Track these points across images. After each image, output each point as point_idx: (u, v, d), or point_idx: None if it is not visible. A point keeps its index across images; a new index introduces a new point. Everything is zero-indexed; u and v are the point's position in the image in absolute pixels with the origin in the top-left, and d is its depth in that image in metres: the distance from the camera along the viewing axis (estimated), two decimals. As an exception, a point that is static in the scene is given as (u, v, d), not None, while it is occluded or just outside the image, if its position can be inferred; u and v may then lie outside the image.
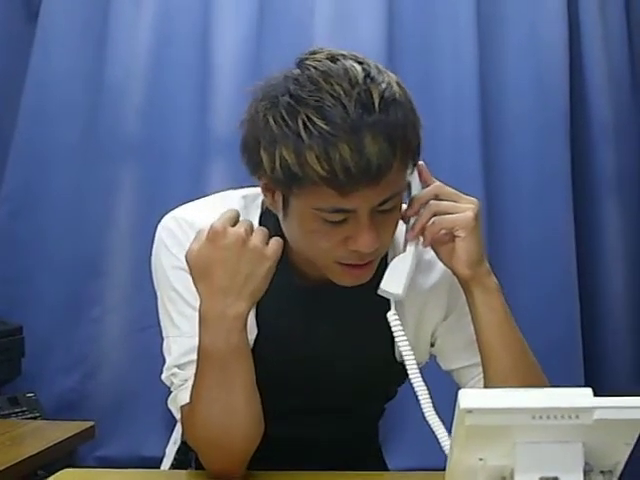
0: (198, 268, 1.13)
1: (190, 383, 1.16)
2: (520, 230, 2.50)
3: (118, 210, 2.48)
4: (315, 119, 1.02)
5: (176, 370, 1.20)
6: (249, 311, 1.13)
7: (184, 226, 1.23)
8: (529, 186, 2.50)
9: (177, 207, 1.28)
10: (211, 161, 2.45)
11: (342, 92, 1.03)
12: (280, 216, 1.15)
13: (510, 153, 2.51)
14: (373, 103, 1.04)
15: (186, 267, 1.16)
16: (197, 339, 1.14)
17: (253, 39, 2.49)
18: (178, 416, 1.21)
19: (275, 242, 1.13)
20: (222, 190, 1.31)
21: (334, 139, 1.01)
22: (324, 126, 1.02)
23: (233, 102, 2.40)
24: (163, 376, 1.22)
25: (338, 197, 1.05)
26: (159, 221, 1.27)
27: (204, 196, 1.32)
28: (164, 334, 1.24)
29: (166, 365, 1.22)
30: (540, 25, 2.52)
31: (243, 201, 1.25)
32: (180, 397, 1.19)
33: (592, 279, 2.54)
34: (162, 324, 1.24)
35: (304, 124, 1.03)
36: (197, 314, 1.15)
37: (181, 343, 1.19)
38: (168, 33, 2.51)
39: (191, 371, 1.16)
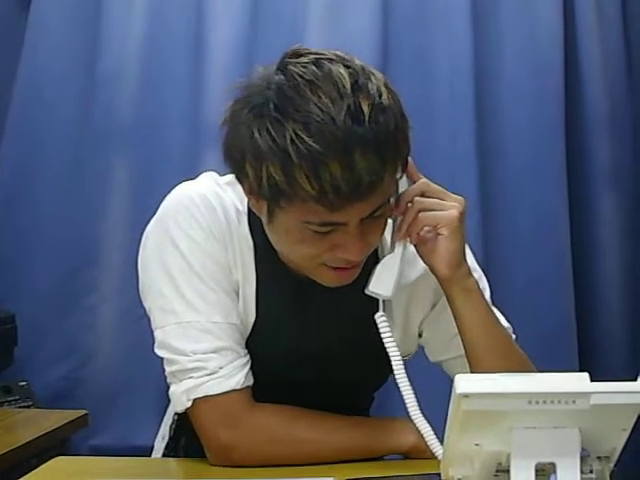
0: None
1: (224, 372, 1.14)
2: (514, 218, 2.49)
3: (113, 198, 2.47)
4: (303, 136, 0.98)
5: (212, 355, 1.14)
6: None
7: (195, 198, 1.17)
8: (524, 173, 2.50)
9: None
10: (205, 150, 2.44)
11: (330, 104, 0.99)
12: (264, 220, 1.12)
13: (505, 140, 2.50)
14: (363, 114, 0.99)
15: (203, 244, 1.15)
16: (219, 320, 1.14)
17: (246, 29, 2.48)
18: (189, 404, 1.15)
19: None
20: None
21: (323, 157, 0.98)
22: (313, 144, 0.98)
23: (226, 89, 2.39)
24: (190, 365, 1.14)
25: (328, 213, 1.02)
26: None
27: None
28: (174, 320, 1.15)
29: (191, 349, 1.14)
30: (536, 13, 2.51)
31: (230, 188, 1.20)
32: (211, 386, 1.14)
33: (587, 269, 2.54)
34: (170, 309, 1.16)
35: (292, 141, 0.98)
36: (213, 294, 1.15)
37: (204, 327, 1.15)
38: (162, 21, 2.49)
39: (225, 358, 1.14)
